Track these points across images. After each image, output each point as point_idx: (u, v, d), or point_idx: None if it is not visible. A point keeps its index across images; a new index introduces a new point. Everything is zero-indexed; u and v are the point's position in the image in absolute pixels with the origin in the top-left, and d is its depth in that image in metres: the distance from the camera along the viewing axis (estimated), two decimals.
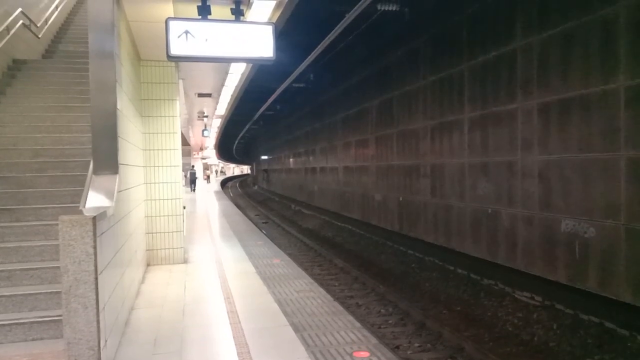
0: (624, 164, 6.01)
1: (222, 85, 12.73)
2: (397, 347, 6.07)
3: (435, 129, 10.41)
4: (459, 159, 9.47)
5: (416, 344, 6.16)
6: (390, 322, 7.04)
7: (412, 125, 11.46)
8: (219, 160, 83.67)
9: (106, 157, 4.38)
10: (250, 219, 17.28)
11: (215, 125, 28.47)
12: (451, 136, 9.76)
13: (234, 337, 4.28)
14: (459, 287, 8.48)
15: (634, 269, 5.90)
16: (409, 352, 5.92)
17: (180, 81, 9.80)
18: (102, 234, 3.54)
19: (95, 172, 4.30)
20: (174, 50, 4.73)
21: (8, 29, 8.18)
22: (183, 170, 8.35)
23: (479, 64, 8.76)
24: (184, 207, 7.86)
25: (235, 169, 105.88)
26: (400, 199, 12.27)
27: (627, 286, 5.97)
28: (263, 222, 19.80)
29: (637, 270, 5.86)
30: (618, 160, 6.08)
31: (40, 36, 9.72)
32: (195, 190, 30.99)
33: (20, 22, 8.61)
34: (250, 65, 10.68)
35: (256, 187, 50.41)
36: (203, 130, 24.56)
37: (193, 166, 36.61)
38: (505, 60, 8.04)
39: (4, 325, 3.91)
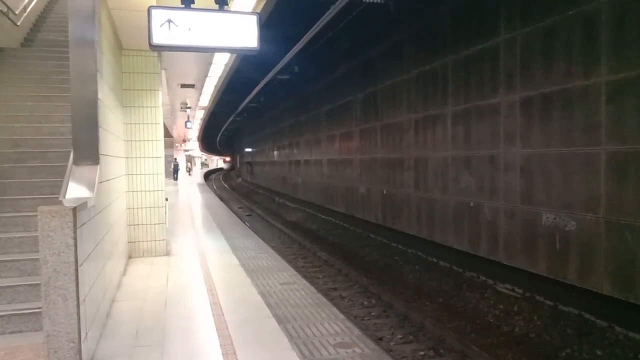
0: (604, 158, 6.10)
1: (206, 76, 12.61)
2: (380, 338, 6.10)
3: (419, 122, 10.45)
4: (443, 153, 9.52)
5: (399, 336, 6.20)
6: (373, 314, 7.08)
7: (396, 118, 11.49)
8: (202, 153, 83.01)
9: (87, 148, 4.28)
10: (234, 212, 17.19)
11: (198, 117, 28.24)
12: (435, 129, 9.81)
13: (217, 329, 4.26)
14: (442, 279, 8.55)
15: (613, 261, 6.01)
16: (391, 344, 5.96)
17: (163, 71, 9.67)
18: (82, 225, 3.48)
19: (75, 162, 4.21)
20: (157, 40, 4.63)
21: None
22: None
23: (462, 58, 8.80)
24: (167, 199, 7.79)
25: (218, 161, 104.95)
26: (384, 191, 12.31)
27: (606, 278, 6.09)
28: (247, 215, 19.71)
29: (616, 262, 5.97)
30: (599, 154, 6.17)
31: (18, 24, 9.47)
32: (178, 179, 34.33)
33: None
34: (234, 55, 10.59)
35: (240, 179, 50.17)
36: (186, 122, 24.34)
37: (175, 159, 37.45)
38: (489, 54, 8.09)
39: None
